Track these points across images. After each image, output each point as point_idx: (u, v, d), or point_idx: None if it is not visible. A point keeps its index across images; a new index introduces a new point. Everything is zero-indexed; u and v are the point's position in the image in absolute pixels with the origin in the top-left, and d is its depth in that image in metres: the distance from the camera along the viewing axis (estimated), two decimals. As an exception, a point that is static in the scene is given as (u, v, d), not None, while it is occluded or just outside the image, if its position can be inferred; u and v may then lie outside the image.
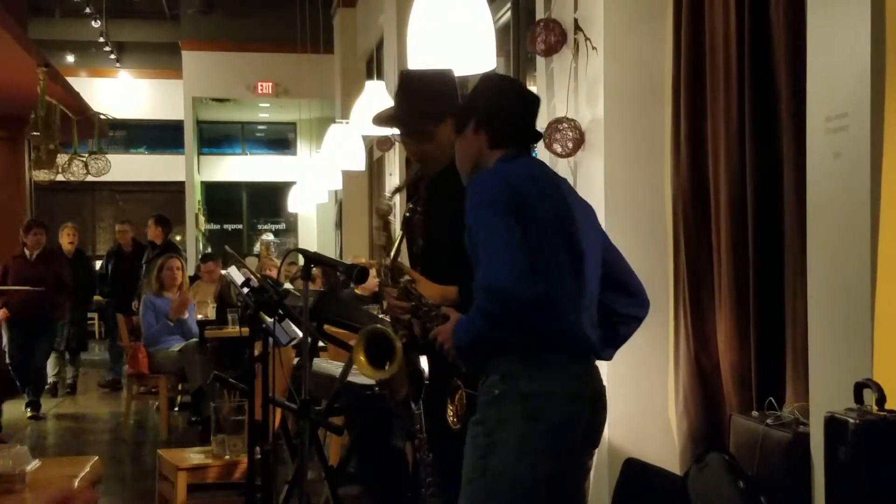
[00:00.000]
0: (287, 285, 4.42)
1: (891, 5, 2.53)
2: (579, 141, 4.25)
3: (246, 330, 3.71)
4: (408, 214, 2.74)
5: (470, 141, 2.58)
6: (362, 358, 2.68)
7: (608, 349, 2.65)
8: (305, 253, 3.21)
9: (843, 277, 2.64)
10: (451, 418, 2.59)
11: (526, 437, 2.34)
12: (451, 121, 2.78)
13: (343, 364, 4.21)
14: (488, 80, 2.82)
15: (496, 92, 2.65)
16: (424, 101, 2.92)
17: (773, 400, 3.16)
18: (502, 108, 2.58)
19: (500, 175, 2.43)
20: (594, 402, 2.48)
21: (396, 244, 2.69)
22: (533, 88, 5.21)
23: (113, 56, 18.46)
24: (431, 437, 2.82)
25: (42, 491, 2.94)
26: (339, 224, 14.39)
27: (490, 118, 2.56)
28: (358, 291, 6.75)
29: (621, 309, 2.62)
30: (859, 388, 2.33)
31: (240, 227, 20.88)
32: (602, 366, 4.04)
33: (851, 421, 2.24)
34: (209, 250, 16.72)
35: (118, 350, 9.68)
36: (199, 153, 19.30)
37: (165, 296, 7.83)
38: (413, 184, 2.98)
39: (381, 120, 3.13)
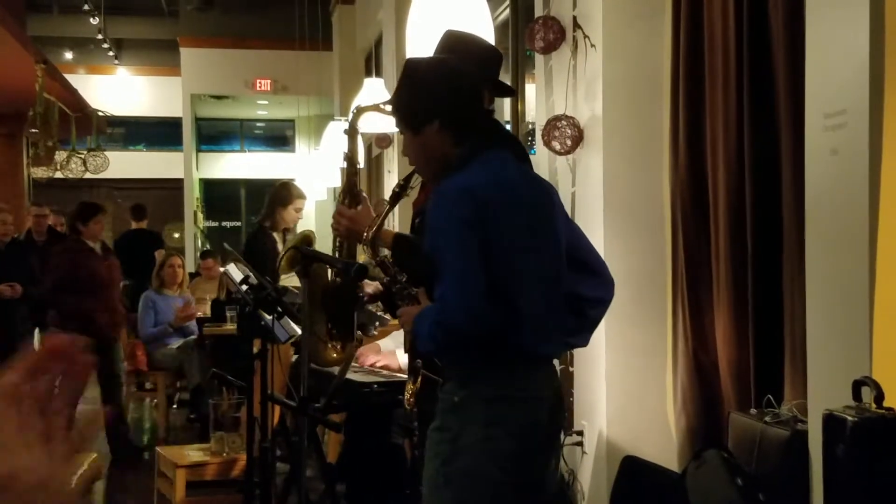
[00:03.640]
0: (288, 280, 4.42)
1: (889, 2, 2.53)
2: (578, 138, 4.25)
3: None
4: (397, 190, 2.64)
5: (433, 140, 2.44)
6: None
7: (583, 334, 2.63)
8: (304, 250, 3.21)
9: (842, 275, 2.64)
10: (409, 398, 2.59)
11: (489, 442, 2.32)
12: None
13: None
14: (431, 70, 2.54)
15: (453, 80, 2.47)
16: (412, 103, 2.80)
17: (771, 397, 3.16)
18: (465, 98, 2.45)
19: (466, 189, 2.30)
20: (554, 403, 2.45)
21: (380, 219, 2.64)
22: (531, 86, 5.21)
23: (111, 53, 18.43)
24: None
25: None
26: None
27: (455, 113, 2.43)
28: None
29: (587, 292, 2.56)
30: (858, 386, 2.33)
31: (238, 224, 20.87)
32: (600, 363, 4.06)
33: (850, 418, 2.24)
34: (208, 247, 16.71)
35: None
36: (198, 150, 19.30)
37: (165, 293, 7.79)
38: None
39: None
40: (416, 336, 2.36)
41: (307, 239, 3.59)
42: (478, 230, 2.26)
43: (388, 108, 3.27)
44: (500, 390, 2.34)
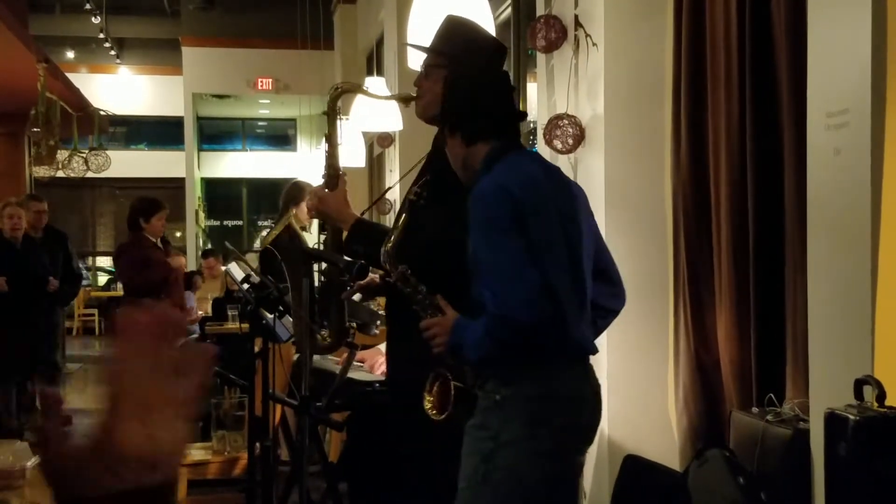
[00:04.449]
0: None
1: (892, 1, 2.52)
2: (579, 137, 4.25)
3: (246, 326, 3.71)
4: (413, 198, 2.62)
5: (450, 145, 2.52)
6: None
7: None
8: (308, 250, 3.21)
9: (844, 273, 2.64)
10: (431, 409, 2.54)
11: (531, 441, 2.33)
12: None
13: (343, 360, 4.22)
14: (467, 75, 2.61)
15: (454, 85, 2.52)
16: (463, 44, 2.80)
17: (773, 396, 3.16)
18: (467, 102, 2.50)
19: (501, 187, 2.34)
20: (594, 402, 2.48)
21: (400, 229, 2.61)
22: (533, 85, 5.21)
23: (113, 52, 18.47)
24: (407, 426, 2.79)
25: (41, 486, 2.95)
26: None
27: (457, 119, 2.48)
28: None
29: (603, 301, 2.58)
30: (859, 385, 2.33)
31: (240, 223, 20.89)
32: (602, 362, 4.06)
33: (851, 417, 2.24)
34: (209, 246, 16.72)
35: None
36: (200, 149, 19.32)
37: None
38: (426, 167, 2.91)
39: (417, 46, 2.99)
40: (457, 347, 2.36)
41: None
42: (520, 227, 2.29)
43: (369, 90, 3.28)
44: (543, 389, 2.35)
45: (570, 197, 2.50)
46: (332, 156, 2.91)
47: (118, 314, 0.76)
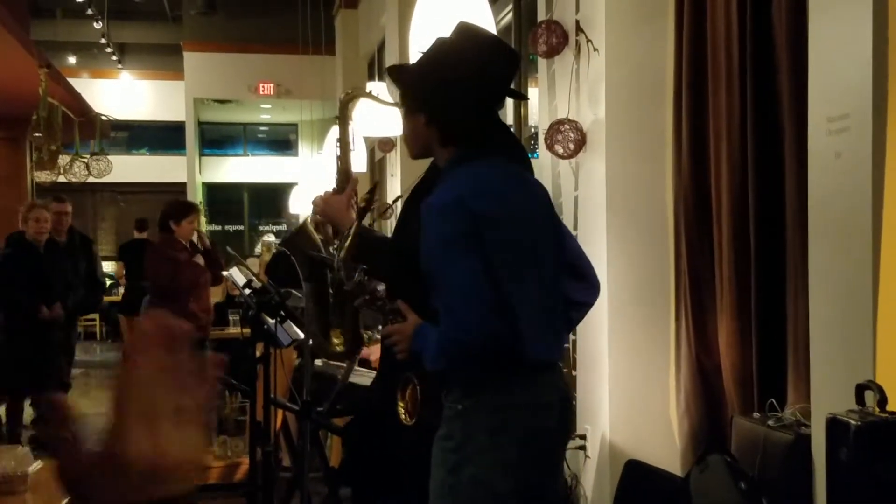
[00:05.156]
0: None
1: (893, 5, 2.53)
2: (581, 142, 4.25)
3: (247, 331, 3.71)
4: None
5: (420, 129, 2.44)
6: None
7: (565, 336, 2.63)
8: (310, 254, 3.21)
9: (845, 279, 2.64)
10: (403, 415, 2.54)
11: (495, 451, 2.30)
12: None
13: (344, 365, 4.22)
14: (440, 54, 2.45)
15: (450, 79, 2.39)
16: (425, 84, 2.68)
17: (774, 401, 3.16)
18: (457, 102, 2.41)
19: (457, 201, 2.26)
20: (561, 408, 2.42)
21: (352, 237, 2.56)
22: (534, 90, 5.22)
23: (115, 57, 18.48)
24: (386, 432, 2.80)
25: (43, 492, 2.95)
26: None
27: (443, 115, 2.41)
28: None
29: (573, 295, 2.54)
30: (861, 390, 2.33)
31: (241, 228, 20.89)
32: (604, 367, 4.06)
33: (853, 422, 2.24)
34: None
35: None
36: (201, 154, 19.33)
37: None
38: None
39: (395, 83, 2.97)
40: (419, 354, 2.35)
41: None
42: (476, 242, 2.24)
43: (380, 96, 3.26)
44: (504, 398, 2.32)
45: (530, 199, 2.43)
46: (344, 160, 2.91)
47: (128, 324, 0.76)
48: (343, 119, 2.98)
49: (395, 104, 3.24)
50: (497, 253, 2.26)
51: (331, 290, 2.88)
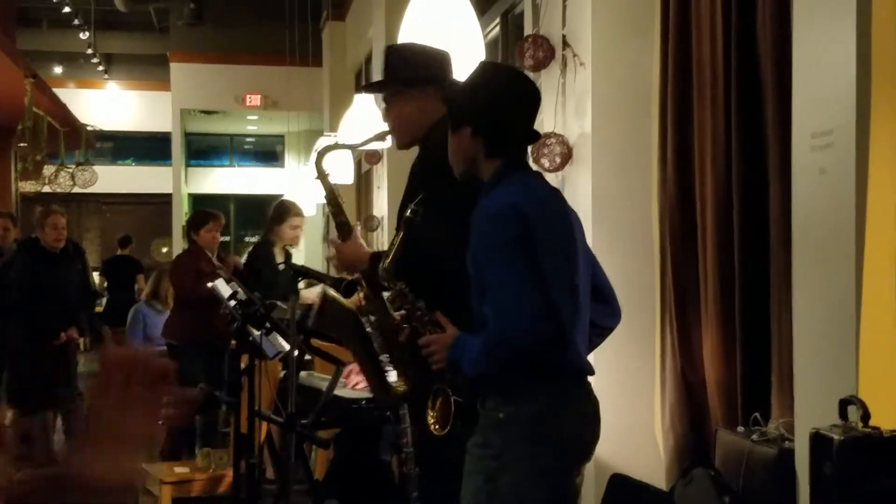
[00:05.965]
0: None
1: (876, 22, 2.55)
2: (567, 155, 4.26)
3: (233, 343, 3.70)
4: (410, 215, 2.62)
5: (466, 143, 2.48)
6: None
7: None
8: (294, 266, 3.21)
9: (829, 293, 2.65)
10: (434, 425, 2.54)
11: (535, 459, 2.33)
12: (434, 91, 2.82)
13: (329, 377, 4.21)
14: (487, 74, 2.60)
15: (497, 92, 2.49)
16: (409, 65, 2.96)
17: (758, 416, 3.17)
18: (503, 112, 2.48)
19: (512, 207, 2.34)
20: (594, 418, 2.47)
21: (397, 246, 2.61)
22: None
23: (101, 67, 18.43)
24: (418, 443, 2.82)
25: None
26: (326, 237, 14.37)
27: (490, 125, 2.46)
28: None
29: (598, 320, 2.59)
30: (844, 405, 2.34)
31: (227, 239, 20.83)
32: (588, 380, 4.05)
33: (836, 437, 2.25)
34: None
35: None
36: (187, 165, 19.27)
37: (157, 307, 7.67)
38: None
39: (368, 86, 3.23)
40: (455, 363, 2.37)
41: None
42: (528, 247, 2.30)
43: (345, 143, 3.44)
44: (545, 406, 2.35)
45: (569, 219, 2.51)
46: (338, 214, 3.02)
47: (104, 351, 0.81)
48: (322, 176, 3.08)
49: (365, 142, 3.28)
50: (547, 257, 2.33)
51: (369, 330, 2.94)
